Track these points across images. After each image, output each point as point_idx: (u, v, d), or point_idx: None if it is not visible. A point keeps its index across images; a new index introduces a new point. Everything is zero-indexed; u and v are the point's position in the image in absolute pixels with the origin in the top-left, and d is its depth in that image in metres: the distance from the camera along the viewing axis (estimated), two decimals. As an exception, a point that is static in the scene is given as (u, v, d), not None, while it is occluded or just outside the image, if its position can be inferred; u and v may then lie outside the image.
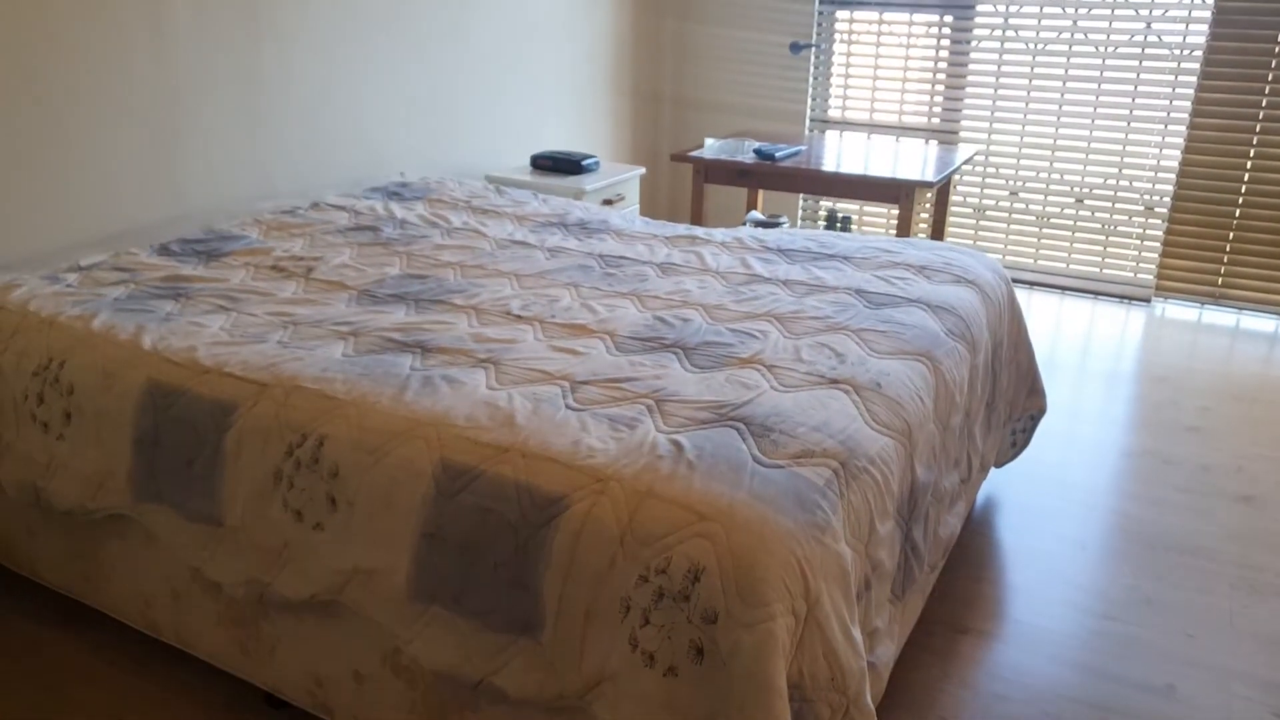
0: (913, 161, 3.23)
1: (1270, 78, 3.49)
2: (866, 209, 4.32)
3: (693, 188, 3.29)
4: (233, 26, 2.55)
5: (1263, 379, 3.20)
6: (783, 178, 3.16)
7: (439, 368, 1.61)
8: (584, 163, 3.42)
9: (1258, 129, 3.56)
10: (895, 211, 4.01)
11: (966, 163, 3.38)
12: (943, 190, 3.52)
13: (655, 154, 4.63)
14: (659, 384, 1.56)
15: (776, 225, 3.55)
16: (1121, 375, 3.23)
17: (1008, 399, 2.30)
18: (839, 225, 3.41)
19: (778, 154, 3.20)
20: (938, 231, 3.62)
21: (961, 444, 1.90)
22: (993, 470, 2.54)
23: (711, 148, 3.32)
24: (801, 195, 4.37)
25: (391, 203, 2.70)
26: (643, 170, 3.54)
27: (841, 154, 3.37)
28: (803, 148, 3.41)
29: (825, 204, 4.39)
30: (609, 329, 1.81)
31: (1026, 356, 2.36)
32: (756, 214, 3.66)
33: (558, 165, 3.44)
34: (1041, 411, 2.43)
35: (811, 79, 4.27)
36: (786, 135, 4.20)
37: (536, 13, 3.63)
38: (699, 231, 2.51)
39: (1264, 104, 3.53)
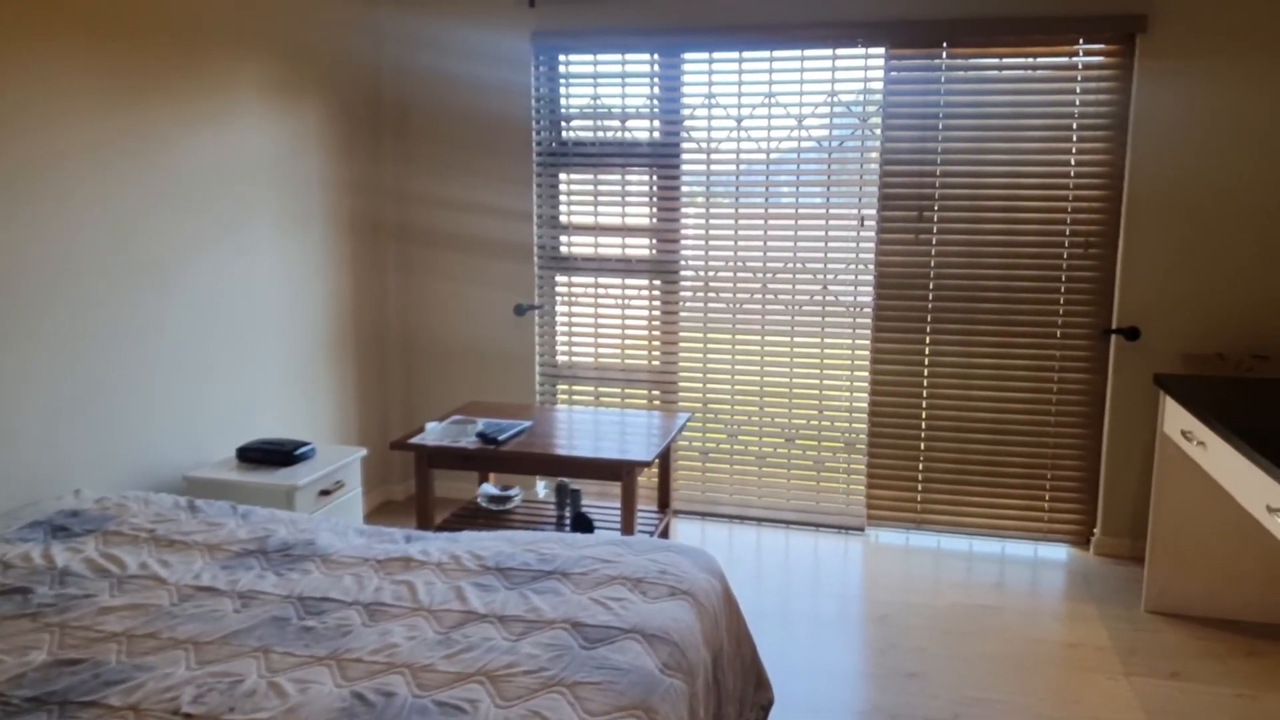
0: (635, 435, 3.34)
1: (929, 330, 4.05)
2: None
3: (416, 479, 3.17)
4: None
5: (966, 609, 3.48)
6: (509, 461, 3.13)
7: (67, 835, 1.33)
8: (297, 452, 3.22)
9: (925, 372, 4.08)
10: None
11: (684, 427, 3.56)
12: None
13: (385, 423, 4.50)
14: (345, 816, 1.37)
15: (509, 499, 3.50)
16: (847, 618, 3.39)
17: (736, 699, 2.30)
18: (569, 497, 3.42)
19: (501, 436, 3.19)
20: (664, 485, 3.74)
21: (690, 786, 1.84)
22: (736, 762, 2.49)
23: (433, 432, 3.25)
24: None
25: (55, 543, 2.35)
26: (364, 452, 3.39)
27: (571, 428, 3.43)
28: (528, 424, 3.43)
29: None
30: (297, 724, 1.61)
31: (749, 651, 2.40)
32: (489, 487, 3.60)
33: (269, 457, 3.21)
34: (770, 702, 2.46)
35: (538, 332, 4.41)
36: (515, 400, 4.24)
37: (247, 283, 3.48)
38: (414, 550, 2.38)
39: (927, 351, 4.06)
